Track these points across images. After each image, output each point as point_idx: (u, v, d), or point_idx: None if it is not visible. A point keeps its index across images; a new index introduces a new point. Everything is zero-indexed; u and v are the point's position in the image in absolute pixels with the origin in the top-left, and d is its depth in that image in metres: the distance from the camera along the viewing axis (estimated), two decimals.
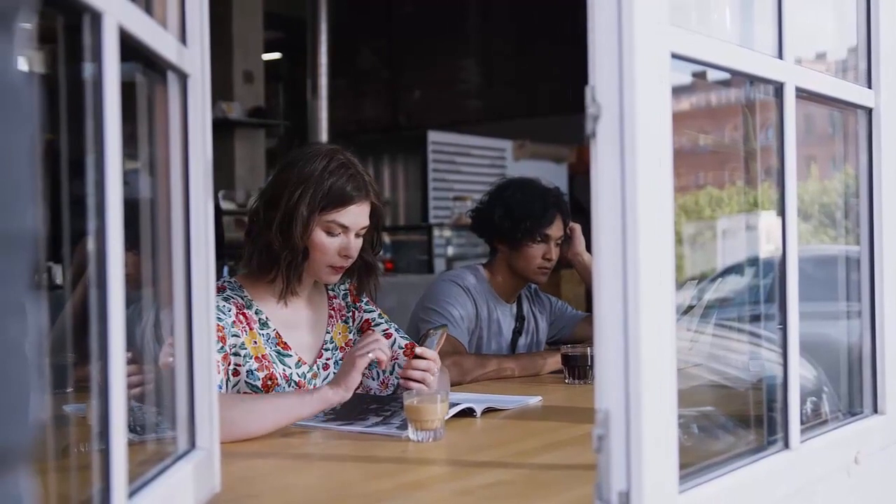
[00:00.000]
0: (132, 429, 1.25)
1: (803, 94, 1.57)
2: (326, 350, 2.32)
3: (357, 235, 2.22)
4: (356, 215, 2.20)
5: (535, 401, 2.34)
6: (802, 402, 1.58)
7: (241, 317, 2.16)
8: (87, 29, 0.99)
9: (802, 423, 1.54)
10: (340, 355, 2.32)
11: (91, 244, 1.01)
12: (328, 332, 2.34)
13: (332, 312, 2.37)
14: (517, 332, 3.12)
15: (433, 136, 8.12)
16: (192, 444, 1.37)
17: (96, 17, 0.98)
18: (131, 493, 1.08)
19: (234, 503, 1.46)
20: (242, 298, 2.21)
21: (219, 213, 3.74)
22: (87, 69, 1.01)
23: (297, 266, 2.19)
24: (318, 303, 2.35)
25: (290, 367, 2.21)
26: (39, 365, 0.57)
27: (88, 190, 1.01)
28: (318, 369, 2.28)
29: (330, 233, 2.19)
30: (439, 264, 7.37)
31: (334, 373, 2.27)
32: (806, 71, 1.59)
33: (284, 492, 1.57)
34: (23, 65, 0.56)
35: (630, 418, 1.16)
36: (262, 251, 2.20)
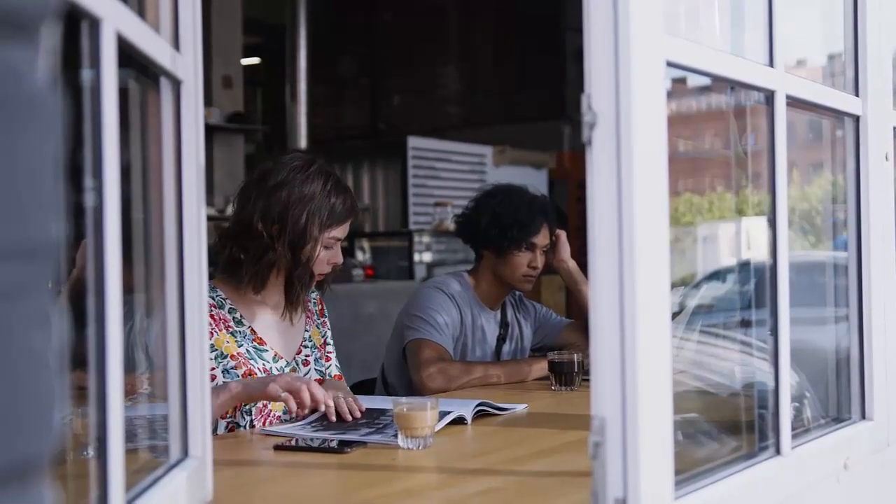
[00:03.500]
0: None
1: (792, 102, 1.58)
2: (306, 347, 2.41)
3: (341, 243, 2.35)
4: (348, 227, 2.34)
5: (521, 408, 2.34)
6: None
7: (209, 318, 2.18)
8: (86, 35, 0.98)
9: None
10: (318, 354, 2.43)
11: (89, 250, 1.00)
12: (307, 331, 2.42)
13: (309, 313, 2.46)
14: (501, 339, 3.12)
15: (413, 142, 8.11)
16: (185, 453, 1.36)
17: (95, 24, 0.98)
18: (127, 503, 1.07)
19: None
20: (213, 299, 2.23)
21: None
22: (85, 75, 1.00)
23: (310, 282, 2.30)
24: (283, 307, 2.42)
25: (267, 362, 2.27)
26: (60, 375, 0.57)
27: (84, 196, 1.00)
28: (298, 365, 2.37)
29: (328, 247, 2.30)
30: (420, 270, 7.36)
31: (315, 369, 2.40)
32: (796, 79, 1.60)
33: (276, 501, 1.57)
34: (46, 75, 0.56)
35: (626, 425, 1.16)
36: (266, 268, 2.26)
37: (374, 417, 2.13)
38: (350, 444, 1.87)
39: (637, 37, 1.16)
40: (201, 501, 1.39)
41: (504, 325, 3.14)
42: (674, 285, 1.89)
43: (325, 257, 2.29)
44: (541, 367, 2.82)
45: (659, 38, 1.21)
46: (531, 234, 2.97)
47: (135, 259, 1.32)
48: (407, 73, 10.30)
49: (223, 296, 2.28)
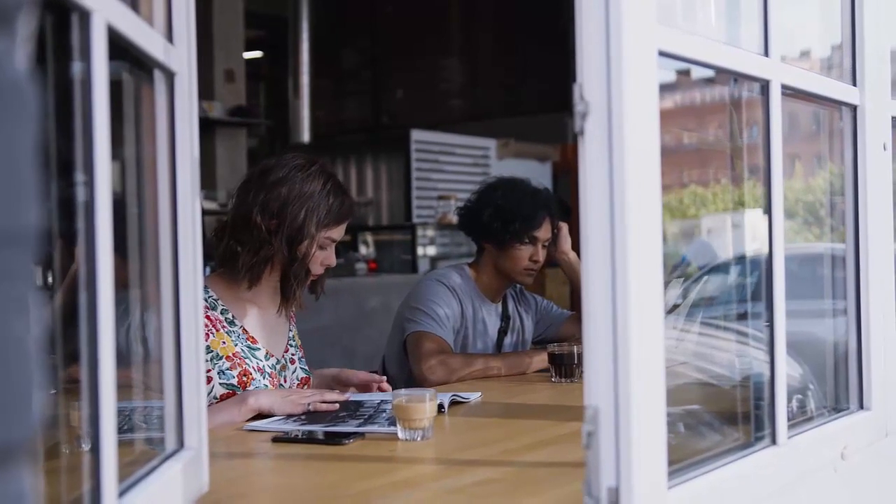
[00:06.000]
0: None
1: (789, 92, 1.57)
2: (291, 346, 2.45)
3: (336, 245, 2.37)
4: (343, 230, 2.36)
5: (476, 396, 2.37)
6: (788, 400, 1.59)
7: (205, 319, 2.19)
8: (76, 27, 0.98)
9: (789, 419, 1.55)
10: (300, 353, 2.47)
11: (80, 245, 1.00)
12: (290, 331, 2.46)
13: (293, 314, 2.49)
14: (503, 332, 3.12)
15: (416, 136, 8.10)
16: (181, 444, 1.36)
17: (85, 16, 0.98)
18: (121, 493, 1.08)
19: (223, 503, 1.45)
20: (206, 300, 2.24)
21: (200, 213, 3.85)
22: (75, 67, 1.00)
23: (305, 279, 2.31)
24: (279, 302, 2.44)
25: (260, 360, 2.30)
26: (41, 361, 0.57)
27: (77, 190, 1.00)
28: (287, 362, 2.41)
29: (322, 247, 2.31)
30: (423, 264, 7.36)
31: (301, 367, 2.44)
32: (791, 68, 1.59)
33: (273, 492, 1.57)
34: (24, 63, 0.56)
35: (619, 414, 1.16)
36: (262, 263, 2.27)
37: (354, 410, 2.13)
38: (348, 435, 1.87)
39: (629, 26, 1.16)
40: (197, 492, 1.40)
41: (506, 317, 3.14)
42: (677, 277, 1.89)
43: (319, 258, 2.31)
44: (541, 359, 2.82)
45: (651, 27, 1.21)
46: (533, 228, 2.97)
47: (129, 253, 1.33)
48: (409, 66, 10.30)
49: (214, 296, 2.29)
